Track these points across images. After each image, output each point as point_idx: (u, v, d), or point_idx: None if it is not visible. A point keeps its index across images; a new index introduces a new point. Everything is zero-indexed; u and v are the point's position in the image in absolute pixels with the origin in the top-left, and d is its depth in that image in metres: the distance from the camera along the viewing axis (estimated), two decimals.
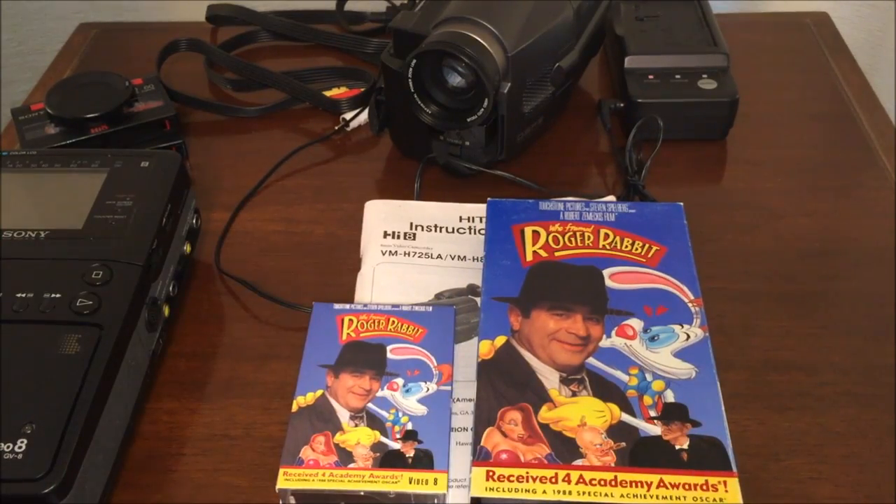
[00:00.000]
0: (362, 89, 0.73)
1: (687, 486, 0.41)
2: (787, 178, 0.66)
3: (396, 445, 0.45)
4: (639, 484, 0.42)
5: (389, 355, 0.50)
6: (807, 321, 0.55)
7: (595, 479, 0.42)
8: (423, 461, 0.45)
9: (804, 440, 0.48)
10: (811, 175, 0.66)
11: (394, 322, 0.51)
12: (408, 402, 0.47)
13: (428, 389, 0.48)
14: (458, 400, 0.49)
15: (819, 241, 0.60)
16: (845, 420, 0.49)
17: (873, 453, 0.48)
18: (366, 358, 0.50)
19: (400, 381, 0.48)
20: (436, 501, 0.44)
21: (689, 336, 0.48)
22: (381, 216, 0.60)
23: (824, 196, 0.64)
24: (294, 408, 0.47)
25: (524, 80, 0.61)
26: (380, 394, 0.48)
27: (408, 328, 0.51)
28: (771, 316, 0.55)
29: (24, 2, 0.91)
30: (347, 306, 0.53)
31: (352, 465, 0.44)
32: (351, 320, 0.52)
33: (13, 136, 0.66)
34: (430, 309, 0.52)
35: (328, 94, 0.73)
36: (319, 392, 0.48)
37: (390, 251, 0.58)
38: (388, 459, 0.45)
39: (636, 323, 0.48)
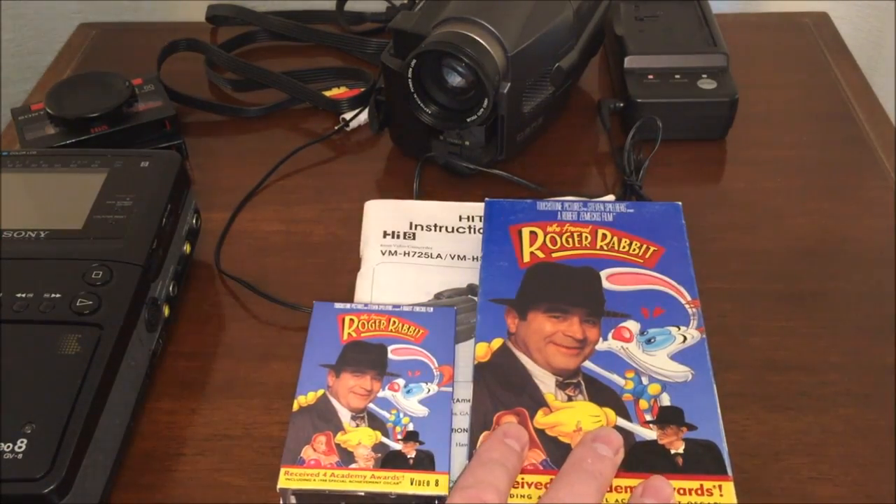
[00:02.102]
0: (362, 89, 0.73)
1: (682, 491, 0.41)
2: (787, 178, 0.65)
3: (398, 446, 0.45)
4: (634, 489, 0.42)
5: (390, 356, 0.50)
6: (807, 321, 0.55)
7: None
8: (425, 462, 0.45)
9: (804, 440, 0.48)
10: (811, 175, 0.66)
11: (395, 322, 0.51)
12: (409, 402, 0.47)
13: (429, 390, 0.48)
14: (458, 400, 0.49)
15: (819, 241, 0.60)
16: (845, 420, 0.49)
17: (873, 453, 0.48)
18: (367, 358, 0.50)
19: (401, 381, 0.48)
20: (437, 503, 0.44)
21: (685, 338, 0.48)
22: (380, 216, 0.61)
23: (824, 196, 0.64)
24: (295, 407, 0.47)
25: (524, 80, 0.61)
26: (381, 394, 0.48)
27: (409, 329, 0.51)
28: (771, 316, 0.55)
29: (24, 2, 0.91)
30: (348, 306, 0.53)
31: (353, 466, 0.45)
32: (352, 320, 0.52)
33: (13, 136, 0.66)
34: (431, 310, 0.52)
35: (328, 94, 0.73)
36: (320, 392, 0.48)
37: (390, 251, 0.58)
38: (389, 460, 0.45)
39: (633, 325, 0.48)
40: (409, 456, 0.45)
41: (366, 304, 0.53)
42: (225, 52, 0.77)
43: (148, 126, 0.65)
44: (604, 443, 0.42)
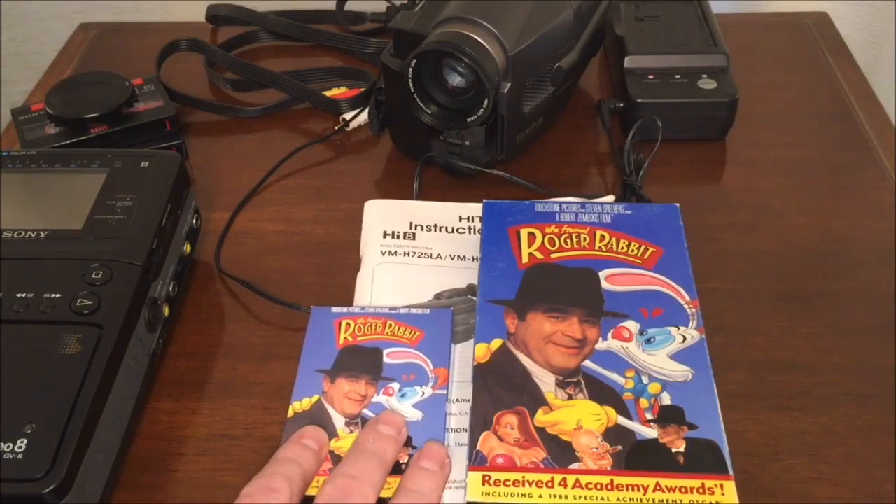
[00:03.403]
0: (362, 89, 0.73)
1: (683, 490, 0.41)
2: (787, 178, 0.65)
3: None
4: (635, 487, 0.42)
5: (385, 359, 0.50)
6: (807, 321, 0.55)
7: (591, 483, 0.42)
8: None
9: (804, 440, 0.48)
10: (811, 175, 0.66)
11: (391, 325, 0.51)
12: (402, 407, 0.47)
13: (423, 394, 0.48)
14: (458, 400, 0.49)
15: (819, 241, 0.60)
16: (845, 420, 0.49)
17: (873, 453, 0.48)
18: (362, 362, 0.49)
19: (395, 385, 0.48)
20: None
21: (685, 338, 0.48)
22: (381, 216, 0.61)
23: (824, 196, 0.64)
24: (290, 413, 0.47)
25: (524, 80, 0.61)
26: (375, 399, 0.48)
27: (405, 331, 0.51)
28: (771, 316, 0.55)
29: (24, 2, 0.91)
30: (345, 310, 0.52)
31: None
32: (348, 324, 0.52)
33: (13, 136, 0.66)
34: (428, 311, 0.52)
35: (328, 94, 0.73)
36: (315, 397, 0.48)
37: (390, 251, 0.58)
38: None
39: (632, 325, 0.48)
40: (402, 462, 0.44)
41: (363, 308, 0.53)
42: (225, 52, 0.77)
43: (148, 126, 0.65)
44: (386, 424, 0.44)
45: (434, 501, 0.42)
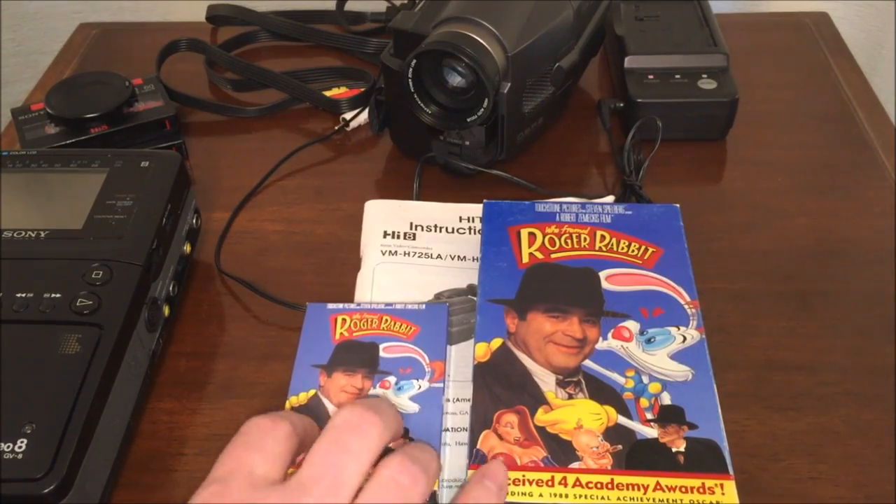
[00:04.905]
0: (362, 89, 0.73)
1: (684, 489, 0.41)
2: (787, 178, 0.66)
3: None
4: (635, 487, 0.42)
5: (382, 354, 0.50)
6: (807, 321, 0.55)
7: (591, 482, 0.42)
8: None
9: (804, 440, 0.48)
10: (811, 175, 0.66)
11: (387, 320, 0.51)
12: (399, 400, 0.47)
13: (420, 387, 0.48)
14: (458, 400, 0.49)
15: (819, 241, 0.60)
16: (845, 420, 0.49)
17: (873, 453, 0.48)
18: (358, 357, 0.50)
19: (392, 379, 0.48)
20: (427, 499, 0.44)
21: (685, 338, 0.48)
22: (381, 216, 0.61)
23: (824, 196, 0.64)
24: (286, 408, 0.47)
25: (524, 80, 0.61)
26: (371, 393, 0.48)
27: (401, 326, 0.51)
28: (771, 316, 0.55)
29: (24, 2, 0.91)
30: (341, 306, 0.53)
31: None
32: (344, 320, 0.52)
33: (13, 136, 0.66)
34: (423, 307, 0.52)
35: (328, 94, 0.73)
36: (312, 392, 0.48)
37: (390, 251, 0.58)
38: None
39: (632, 325, 0.48)
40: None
41: (359, 304, 0.53)
42: (225, 52, 0.77)
43: (148, 126, 0.65)
44: (491, 479, 0.42)
45: None
